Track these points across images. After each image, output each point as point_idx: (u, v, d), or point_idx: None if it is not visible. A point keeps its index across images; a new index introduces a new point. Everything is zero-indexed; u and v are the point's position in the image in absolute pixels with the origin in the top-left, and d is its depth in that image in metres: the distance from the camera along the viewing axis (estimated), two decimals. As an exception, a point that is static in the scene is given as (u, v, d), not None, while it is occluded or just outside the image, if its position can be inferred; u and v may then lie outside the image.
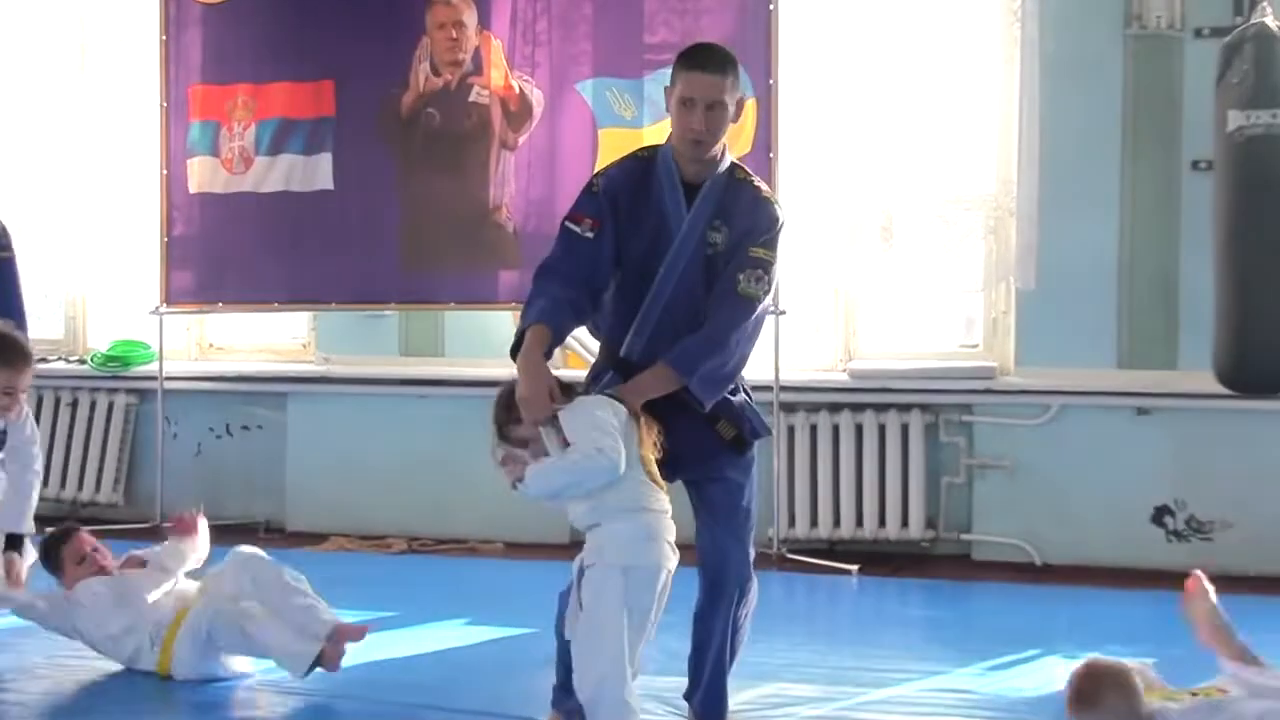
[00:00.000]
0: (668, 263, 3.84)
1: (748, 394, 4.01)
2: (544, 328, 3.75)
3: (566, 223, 3.90)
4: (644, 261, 3.87)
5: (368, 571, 6.49)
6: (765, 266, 3.83)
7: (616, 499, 3.58)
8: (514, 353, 3.79)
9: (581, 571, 3.64)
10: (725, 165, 3.90)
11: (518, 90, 6.77)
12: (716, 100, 3.78)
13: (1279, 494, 6.15)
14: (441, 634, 5.24)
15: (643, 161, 3.95)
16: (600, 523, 3.62)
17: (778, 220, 3.90)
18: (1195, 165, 6.21)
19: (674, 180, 3.86)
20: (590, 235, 3.83)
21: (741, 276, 3.79)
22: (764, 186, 3.97)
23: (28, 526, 4.97)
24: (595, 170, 6.49)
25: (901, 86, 6.83)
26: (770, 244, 3.86)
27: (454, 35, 6.86)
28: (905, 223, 6.85)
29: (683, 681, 4.11)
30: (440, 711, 4.29)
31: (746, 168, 4.00)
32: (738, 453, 3.91)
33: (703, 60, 3.82)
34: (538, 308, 3.79)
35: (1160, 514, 6.36)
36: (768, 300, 3.87)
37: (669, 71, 6.31)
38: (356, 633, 4.63)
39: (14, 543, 4.94)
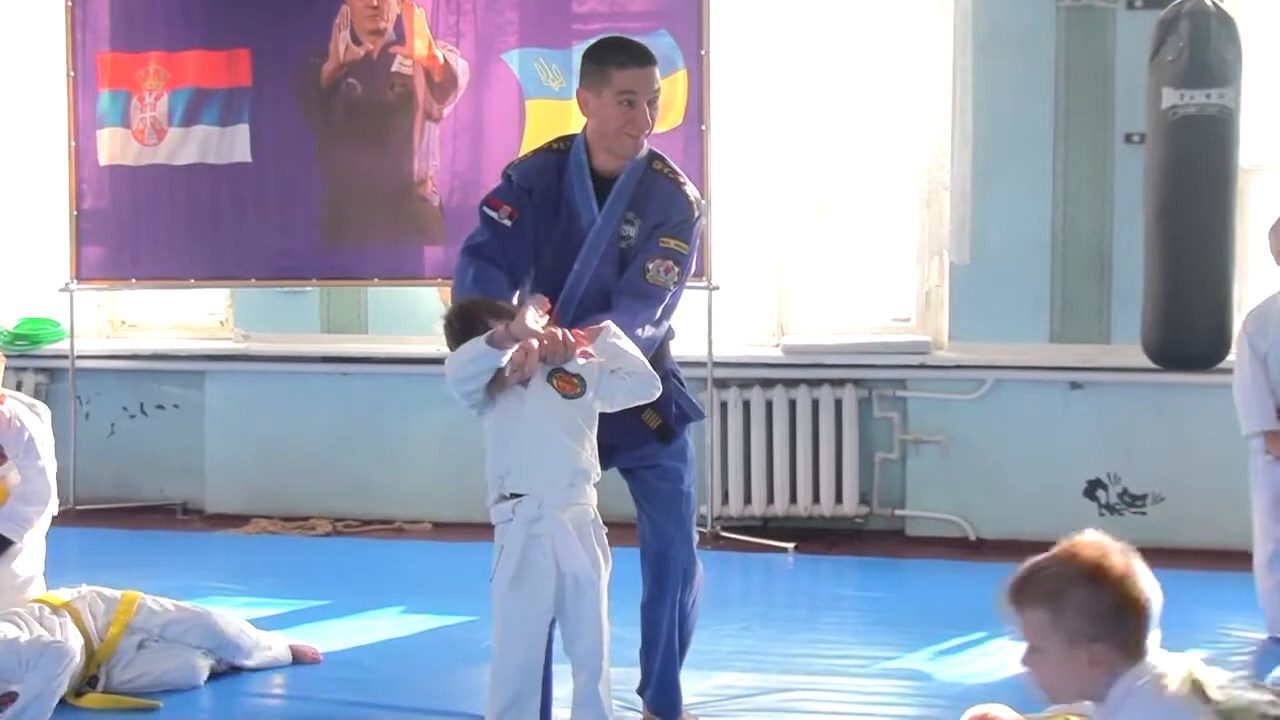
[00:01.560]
0: (581, 258, 3.76)
1: (679, 379, 3.93)
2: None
3: (485, 208, 3.79)
4: (556, 257, 3.78)
5: (293, 555, 6.35)
6: (676, 257, 3.73)
7: None
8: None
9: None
10: (643, 154, 3.79)
11: (442, 60, 6.61)
12: (656, 93, 3.73)
13: (1211, 467, 6.16)
14: (376, 623, 5.11)
15: (557, 154, 3.85)
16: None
17: (693, 211, 3.80)
18: (1129, 138, 6.20)
19: (584, 174, 3.78)
20: (509, 223, 3.74)
21: (651, 266, 3.70)
22: (681, 176, 3.86)
23: (19, 534, 4.56)
24: (521, 143, 6.49)
25: (835, 58, 6.75)
26: (683, 234, 3.75)
27: (375, 3, 6.68)
28: (838, 196, 6.79)
29: (633, 672, 4.03)
30: (385, 710, 4.17)
31: (665, 156, 3.88)
32: (664, 441, 3.83)
33: (636, 55, 3.73)
34: (471, 277, 3.67)
35: (1093, 488, 6.37)
36: (678, 291, 3.76)
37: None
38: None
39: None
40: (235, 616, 4.63)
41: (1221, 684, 2.66)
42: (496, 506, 3.42)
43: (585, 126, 3.81)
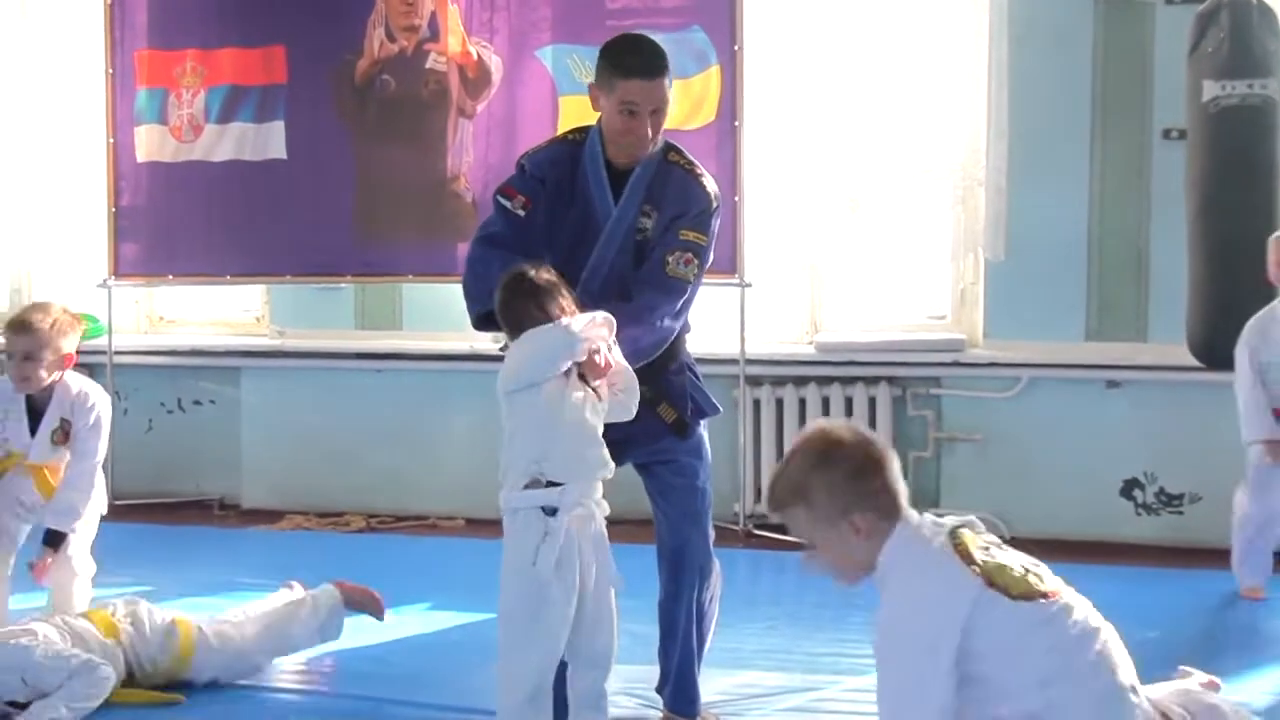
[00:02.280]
0: (598, 250, 3.76)
1: (694, 374, 3.92)
2: None
3: (499, 197, 3.80)
4: (570, 246, 3.77)
5: (326, 551, 6.37)
6: (695, 249, 3.73)
7: None
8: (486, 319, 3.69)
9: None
10: (658, 146, 3.78)
11: (476, 57, 6.61)
12: (661, 105, 3.70)
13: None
14: (406, 620, 5.11)
15: (571, 145, 3.84)
16: None
17: (710, 201, 3.79)
18: (1167, 134, 6.13)
19: (599, 168, 3.76)
20: (522, 214, 3.75)
21: (670, 258, 3.70)
22: (698, 167, 3.85)
23: (68, 524, 4.65)
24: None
25: (869, 54, 6.71)
26: (701, 226, 3.75)
27: (409, 0, 6.68)
28: (872, 193, 6.75)
29: (653, 670, 4.02)
30: (409, 706, 4.18)
31: (681, 148, 3.87)
32: (680, 436, 3.81)
33: (643, 66, 3.68)
34: (499, 266, 3.65)
35: (1130, 487, 6.31)
36: (696, 283, 3.76)
37: (630, 38, 6.33)
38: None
39: (54, 539, 4.65)
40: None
41: (983, 545, 2.87)
42: (525, 491, 3.40)
43: (600, 119, 3.80)
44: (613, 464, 3.49)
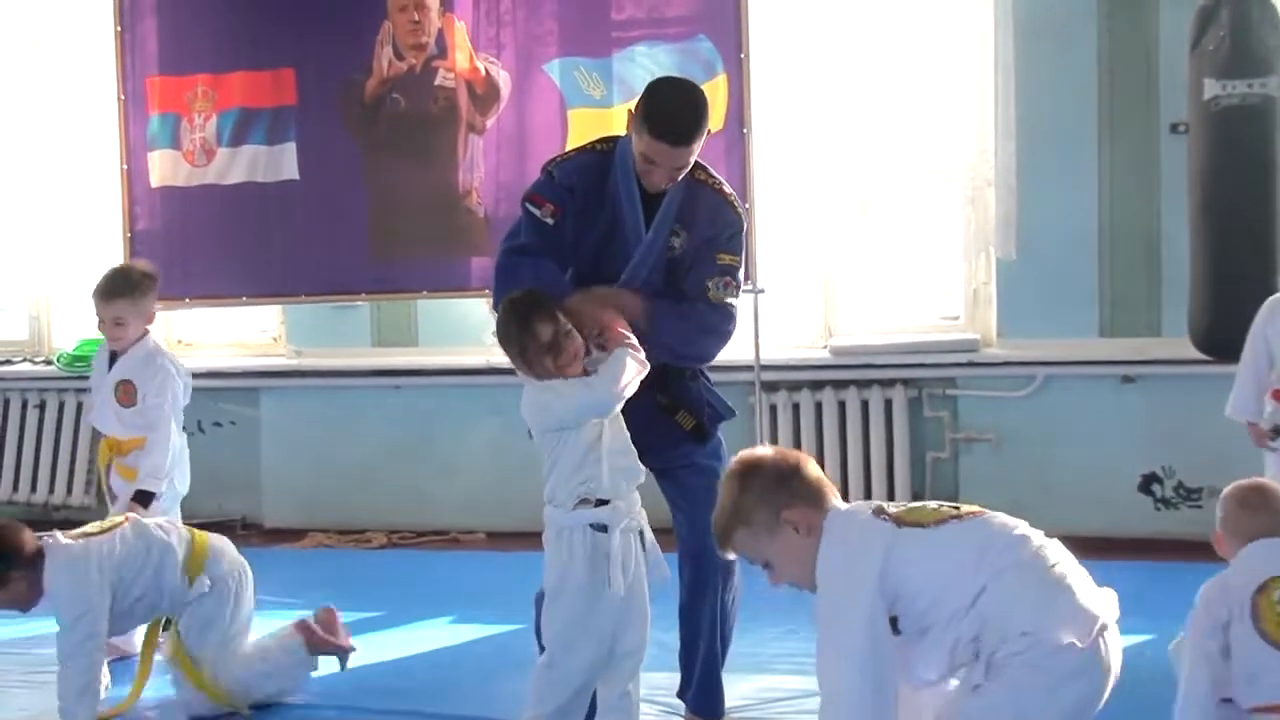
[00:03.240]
0: (630, 269, 3.77)
1: (706, 379, 3.96)
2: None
3: (527, 205, 3.83)
4: (596, 257, 3.80)
5: (348, 568, 6.42)
6: (733, 272, 3.82)
7: None
8: None
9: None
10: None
11: (484, 72, 6.64)
12: (682, 166, 3.73)
13: (1268, 458, 6.09)
14: (427, 634, 5.16)
15: (600, 155, 3.86)
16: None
17: (740, 223, 3.86)
18: (1174, 128, 6.13)
19: (632, 185, 3.77)
20: (551, 221, 3.77)
21: (711, 284, 3.77)
22: (725, 187, 3.90)
23: (153, 484, 4.92)
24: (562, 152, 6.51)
25: (875, 57, 6.73)
26: (735, 248, 3.83)
27: (416, 18, 6.71)
28: (882, 196, 6.77)
29: (674, 677, 4.04)
30: (428, 719, 4.20)
31: (707, 166, 3.90)
32: (699, 441, 3.84)
33: (670, 134, 3.67)
34: (531, 275, 3.69)
35: (1148, 482, 6.31)
36: (736, 304, 3.84)
37: (637, 49, 6.37)
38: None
39: (141, 498, 4.90)
40: None
41: (898, 503, 3.08)
42: (577, 511, 3.47)
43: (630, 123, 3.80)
44: (643, 468, 3.54)
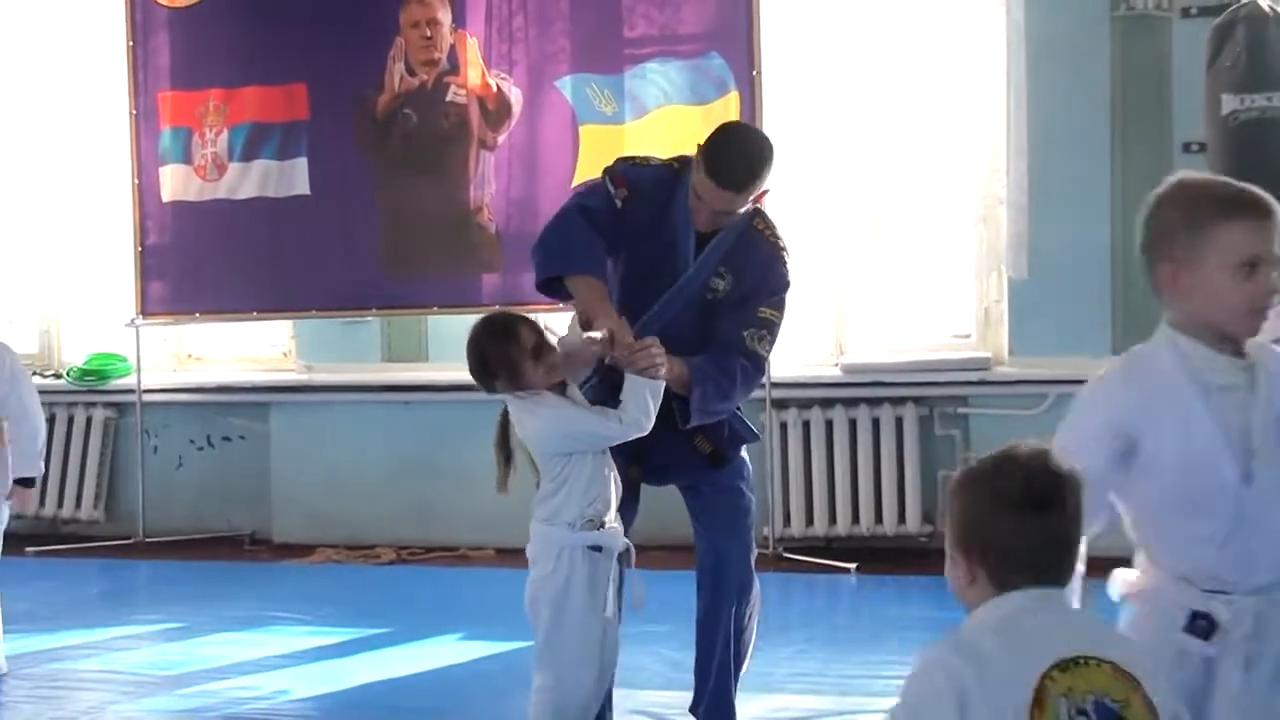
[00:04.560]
0: (665, 300, 3.73)
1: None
2: (598, 283, 3.65)
3: (608, 179, 3.77)
4: (643, 277, 3.76)
5: (357, 584, 6.40)
6: (771, 328, 3.75)
7: None
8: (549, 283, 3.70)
9: None
10: (744, 211, 3.75)
11: (495, 89, 6.65)
12: (729, 209, 3.67)
13: None
14: (436, 651, 5.13)
15: (673, 174, 3.79)
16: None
17: (788, 283, 3.79)
18: (1187, 147, 6.11)
19: (688, 222, 3.72)
20: (619, 204, 3.73)
21: (748, 334, 3.70)
22: (782, 242, 3.82)
23: (34, 469, 4.92)
24: (575, 169, 6.49)
25: (888, 75, 6.72)
26: (779, 306, 3.76)
27: (428, 34, 6.74)
28: (894, 214, 6.76)
29: (687, 696, 4.01)
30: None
31: (767, 214, 3.83)
32: (717, 467, 3.81)
33: (723, 176, 3.61)
34: (584, 242, 3.65)
35: (1160, 502, 6.26)
36: (767, 357, 3.80)
37: (649, 66, 6.38)
38: None
39: (25, 481, 4.90)
40: None
41: None
42: (580, 532, 3.45)
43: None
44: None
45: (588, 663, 3.49)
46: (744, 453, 3.92)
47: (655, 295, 3.73)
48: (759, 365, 3.75)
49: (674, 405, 3.63)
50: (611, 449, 3.54)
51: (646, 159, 3.94)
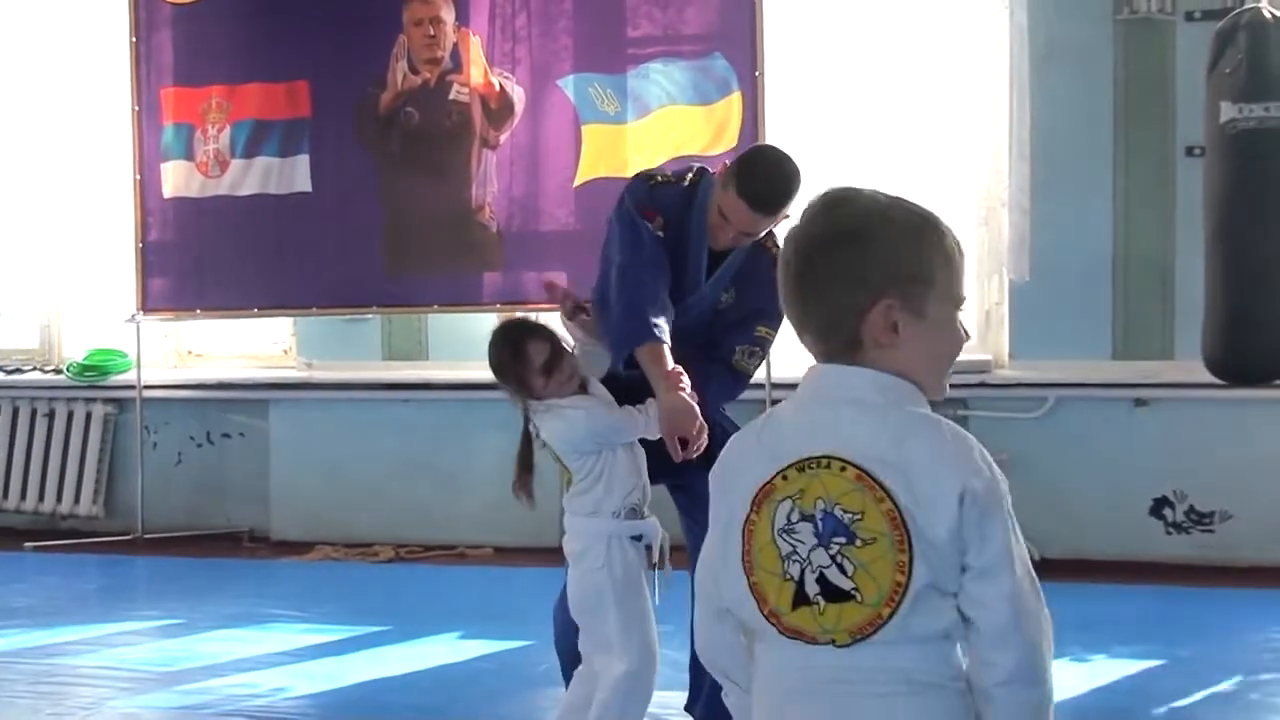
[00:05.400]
0: (682, 309, 3.74)
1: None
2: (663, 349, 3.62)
3: (639, 217, 3.73)
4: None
5: (355, 582, 6.40)
6: (764, 344, 3.81)
7: None
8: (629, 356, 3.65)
9: None
10: None
11: (498, 87, 6.65)
12: (752, 232, 3.68)
13: (1279, 484, 6.07)
14: (434, 649, 5.12)
15: (687, 191, 3.79)
16: None
17: None
18: (1190, 151, 6.11)
19: (704, 236, 3.73)
20: (661, 235, 3.72)
21: (740, 350, 3.75)
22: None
23: None
24: (577, 168, 6.49)
25: (890, 76, 6.72)
26: (776, 325, 3.76)
27: (431, 32, 6.73)
28: (896, 215, 6.74)
29: (680, 695, 4.02)
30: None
31: (776, 234, 3.77)
32: (706, 467, 3.78)
33: (755, 198, 3.60)
34: (660, 326, 3.62)
35: (1160, 506, 6.27)
36: (754, 371, 3.85)
37: (652, 66, 6.37)
38: None
39: None
40: None
41: None
42: (625, 521, 3.52)
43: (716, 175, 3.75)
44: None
45: (655, 642, 3.56)
46: None
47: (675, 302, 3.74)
48: (744, 379, 3.81)
49: None
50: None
51: (664, 178, 3.88)
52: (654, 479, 3.74)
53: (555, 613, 3.79)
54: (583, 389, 3.56)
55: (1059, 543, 6.33)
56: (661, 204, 3.75)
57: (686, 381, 3.55)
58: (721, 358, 3.75)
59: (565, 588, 3.64)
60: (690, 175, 3.83)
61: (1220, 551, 6.16)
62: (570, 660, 3.70)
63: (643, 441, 3.61)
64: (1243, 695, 4.47)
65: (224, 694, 4.63)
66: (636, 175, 3.93)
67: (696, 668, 3.89)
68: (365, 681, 4.73)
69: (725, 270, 3.76)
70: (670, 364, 3.57)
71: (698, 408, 3.53)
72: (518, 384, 3.51)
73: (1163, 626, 5.26)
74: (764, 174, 3.65)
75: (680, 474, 3.82)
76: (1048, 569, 6.20)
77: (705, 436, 3.53)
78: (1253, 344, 5.33)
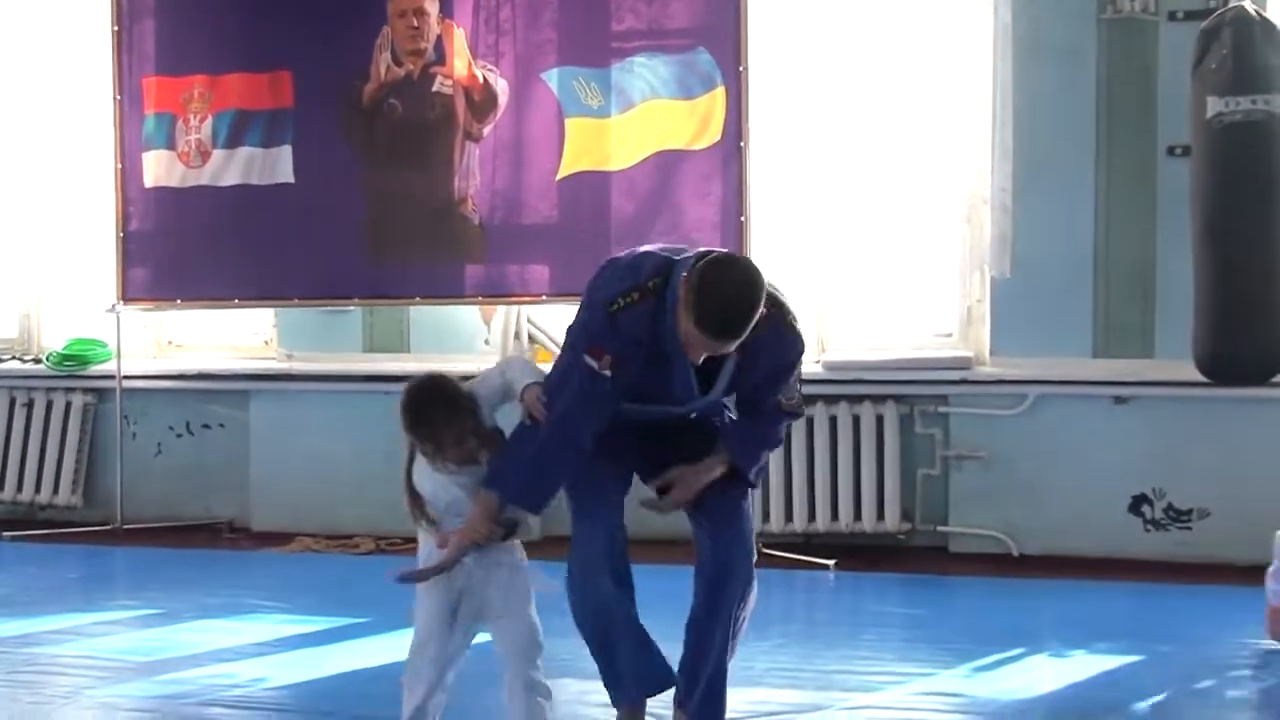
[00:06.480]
0: (687, 409, 3.73)
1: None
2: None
3: (585, 355, 3.58)
4: (644, 398, 3.71)
5: (335, 573, 6.39)
6: (797, 379, 3.82)
7: None
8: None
9: None
10: None
11: (482, 80, 6.64)
12: (714, 354, 3.57)
13: (1257, 482, 6.11)
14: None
15: (654, 300, 3.56)
16: None
17: (802, 346, 3.75)
18: (1171, 151, 6.15)
19: (680, 348, 3.54)
20: (608, 374, 3.57)
21: (783, 398, 3.75)
22: (787, 315, 3.66)
23: None
24: (560, 161, 6.48)
25: (874, 73, 6.73)
26: (798, 363, 3.78)
27: (415, 24, 6.72)
28: (878, 212, 6.77)
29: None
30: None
31: (770, 290, 3.55)
32: (729, 479, 3.80)
33: (711, 329, 3.43)
34: (526, 486, 3.68)
35: (1138, 503, 6.30)
36: (802, 407, 3.91)
37: (636, 60, 6.38)
38: None
39: None
40: None
41: None
42: None
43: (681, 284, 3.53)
44: None
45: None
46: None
47: (664, 395, 3.68)
48: (797, 412, 3.87)
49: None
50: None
51: (626, 300, 3.57)
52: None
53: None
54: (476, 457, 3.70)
55: (1038, 539, 6.37)
56: (625, 332, 3.55)
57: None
58: (772, 409, 3.76)
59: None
60: (654, 283, 3.55)
61: (1198, 549, 6.19)
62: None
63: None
64: (1220, 691, 4.49)
65: (203, 684, 4.62)
66: (598, 290, 3.64)
67: (692, 664, 3.85)
68: (345, 672, 4.74)
69: (723, 377, 3.64)
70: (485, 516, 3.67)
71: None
72: (436, 447, 3.68)
73: (1141, 623, 5.28)
74: (719, 305, 3.41)
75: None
76: (1026, 565, 6.28)
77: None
78: (1243, 342, 5.35)
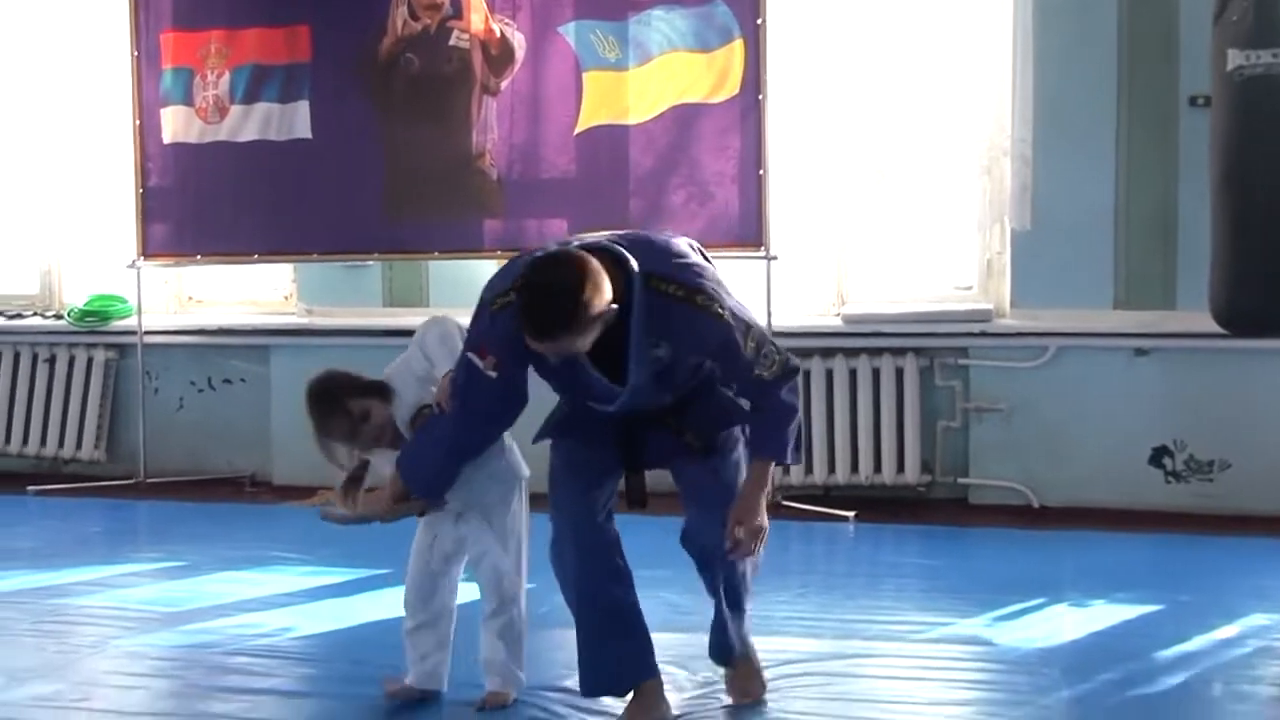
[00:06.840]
0: (622, 403, 3.52)
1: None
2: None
3: (472, 355, 3.52)
4: (565, 389, 3.66)
5: (357, 527, 6.38)
6: (761, 344, 3.49)
7: None
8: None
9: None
10: (634, 280, 3.39)
11: (498, 33, 6.62)
12: (568, 352, 3.38)
13: (1278, 433, 6.09)
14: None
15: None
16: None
17: (725, 327, 3.43)
18: (1193, 101, 6.09)
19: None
20: (493, 374, 3.48)
21: (757, 372, 3.49)
22: (696, 296, 3.41)
23: None
24: (579, 114, 6.46)
25: (894, 24, 6.69)
26: (744, 330, 3.46)
27: (432, -23, 6.69)
28: (898, 164, 6.75)
29: (687, 639, 4.06)
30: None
31: (659, 273, 3.41)
32: (705, 454, 3.71)
33: (531, 332, 3.29)
34: (427, 478, 3.80)
35: (1159, 455, 6.29)
36: (780, 358, 3.53)
37: (653, 12, 6.35)
38: None
39: None
40: None
41: None
42: None
43: None
44: None
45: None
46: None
47: (595, 395, 3.55)
48: (788, 372, 3.53)
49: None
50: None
51: (503, 301, 3.47)
52: (652, 466, 3.77)
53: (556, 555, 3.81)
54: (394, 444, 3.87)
55: (1058, 491, 6.37)
56: (503, 332, 3.44)
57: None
58: (758, 387, 3.52)
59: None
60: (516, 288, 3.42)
61: (1219, 500, 6.19)
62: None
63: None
64: (1241, 640, 4.49)
65: (229, 634, 4.66)
66: (486, 289, 3.60)
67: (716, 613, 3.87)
68: (368, 622, 4.78)
69: (637, 347, 3.42)
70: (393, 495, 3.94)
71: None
72: (330, 441, 4.00)
73: (1161, 573, 5.28)
74: (532, 307, 3.30)
75: (678, 461, 3.77)
76: (1047, 517, 6.28)
77: None
78: (1259, 293, 5.32)
